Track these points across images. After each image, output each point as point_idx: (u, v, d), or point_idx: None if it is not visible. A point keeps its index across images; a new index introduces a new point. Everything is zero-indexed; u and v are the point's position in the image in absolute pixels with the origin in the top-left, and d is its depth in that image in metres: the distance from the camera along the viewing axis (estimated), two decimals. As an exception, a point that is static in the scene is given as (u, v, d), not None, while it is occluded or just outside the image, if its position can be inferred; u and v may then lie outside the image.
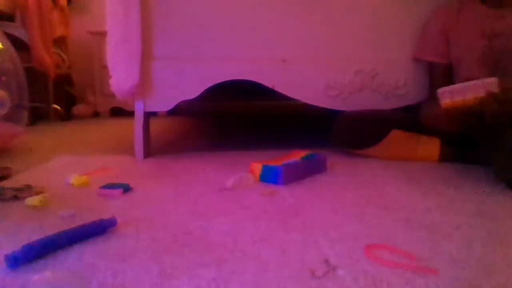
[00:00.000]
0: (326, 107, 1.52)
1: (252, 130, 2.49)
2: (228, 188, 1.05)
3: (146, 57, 1.41)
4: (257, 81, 1.47)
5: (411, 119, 1.44)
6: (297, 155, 1.25)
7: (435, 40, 1.42)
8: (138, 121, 1.45)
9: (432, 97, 1.44)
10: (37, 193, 0.96)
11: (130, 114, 1.60)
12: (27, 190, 1.00)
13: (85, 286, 0.56)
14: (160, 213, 0.87)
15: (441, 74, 1.43)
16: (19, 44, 2.23)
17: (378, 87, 1.51)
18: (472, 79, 1.28)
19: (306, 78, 1.49)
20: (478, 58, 1.32)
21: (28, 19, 2.62)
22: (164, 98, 1.45)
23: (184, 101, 1.46)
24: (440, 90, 1.16)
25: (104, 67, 1.65)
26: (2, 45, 1.64)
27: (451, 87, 1.17)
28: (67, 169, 1.24)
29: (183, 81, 1.44)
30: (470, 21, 1.35)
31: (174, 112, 1.88)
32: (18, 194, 0.97)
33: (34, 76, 2.49)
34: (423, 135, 1.40)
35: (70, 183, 1.09)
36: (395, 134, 1.40)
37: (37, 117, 2.74)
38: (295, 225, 0.79)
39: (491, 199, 0.97)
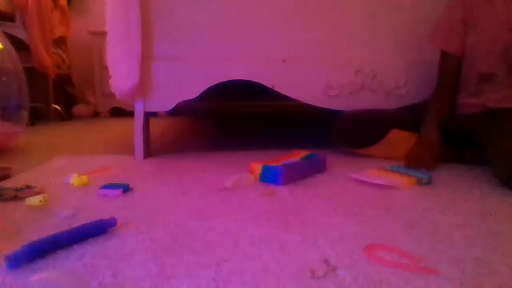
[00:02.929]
0: (326, 107, 1.52)
1: (252, 130, 2.49)
2: (228, 188, 1.05)
3: (146, 57, 1.42)
4: (257, 81, 1.47)
5: (411, 118, 1.44)
6: (297, 155, 1.25)
7: (452, 28, 1.35)
8: (138, 121, 1.45)
9: (438, 88, 1.41)
10: (37, 193, 0.96)
11: (130, 114, 1.60)
12: (27, 190, 1.00)
13: (85, 286, 0.56)
14: (160, 213, 0.87)
15: (451, 65, 1.38)
16: (19, 44, 2.24)
17: (378, 87, 1.51)
18: (488, 76, 1.25)
19: (306, 78, 1.49)
20: (500, 53, 1.25)
21: (28, 19, 2.62)
22: (164, 98, 1.45)
23: (184, 101, 1.46)
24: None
25: (104, 67, 1.65)
26: (2, 45, 1.64)
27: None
28: (67, 169, 1.24)
29: (183, 81, 1.44)
30: (496, 11, 1.28)
31: (174, 112, 1.88)
32: (18, 194, 0.97)
33: (34, 76, 2.49)
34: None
35: (70, 183, 1.09)
36: (395, 134, 1.40)
37: (37, 117, 2.74)
38: (295, 225, 0.79)
39: (491, 199, 0.97)
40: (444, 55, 1.40)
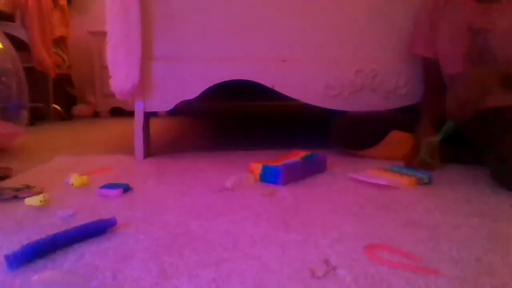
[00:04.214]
0: (326, 107, 1.52)
1: (252, 130, 2.49)
2: (228, 188, 1.05)
3: (146, 57, 1.41)
4: (257, 81, 1.47)
5: (410, 119, 1.44)
6: (297, 155, 1.25)
7: (425, 32, 1.39)
8: (138, 121, 1.45)
9: (427, 91, 1.43)
10: (37, 193, 0.96)
11: (130, 114, 1.60)
12: (27, 190, 1.00)
13: (85, 286, 0.56)
14: (160, 213, 0.87)
15: (433, 68, 1.39)
16: (19, 44, 2.24)
17: (378, 87, 1.51)
18: (457, 77, 1.26)
19: (306, 78, 1.49)
20: (464, 54, 1.27)
21: (28, 19, 2.62)
22: (164, 98, 1.45)
23: (184, 101, 1.46)
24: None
25: (104, 67, 1.65)
26: (2, 45, 1.64)
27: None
28: (67, 169, 1.24)
29: (183, 81, 1.44)
30: (458, 14, 1.30)
31: (174, 112, 1.88)
32: (18, 194, 0.97)
33: (34, 76, 2.49)
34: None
35: (70, 183, 1.09)
36: (395, 135, 1.40)
37: (37, 117, 2.74)
38: (295, 225, 0.79)
39: (491, 199, 0.97)
40: (425, 60, 1.43)
